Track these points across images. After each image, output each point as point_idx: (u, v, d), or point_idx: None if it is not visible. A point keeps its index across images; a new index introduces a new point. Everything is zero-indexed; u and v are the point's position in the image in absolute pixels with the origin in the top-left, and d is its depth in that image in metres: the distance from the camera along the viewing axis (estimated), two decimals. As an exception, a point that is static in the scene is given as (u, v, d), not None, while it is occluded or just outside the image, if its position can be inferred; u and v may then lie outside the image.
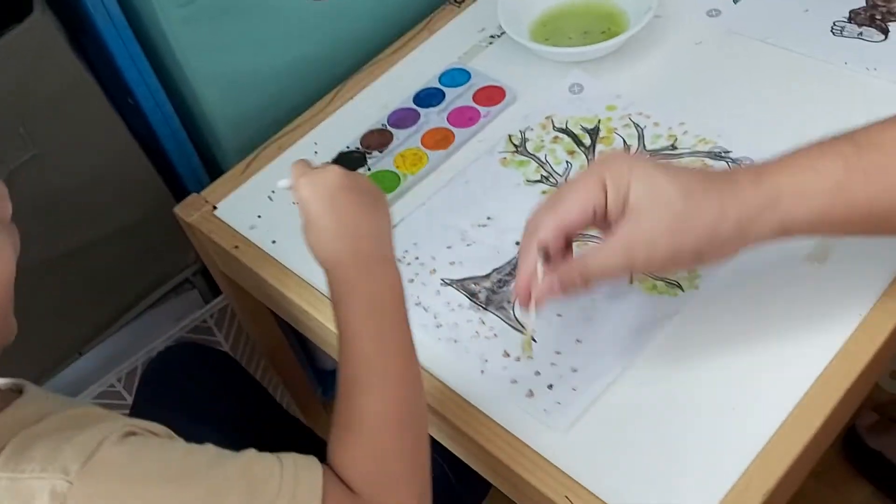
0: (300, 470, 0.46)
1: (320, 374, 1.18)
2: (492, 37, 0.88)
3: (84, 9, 0.74)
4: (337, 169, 0.53)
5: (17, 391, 0.45)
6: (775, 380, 0.58)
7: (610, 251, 0.52)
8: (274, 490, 0.44)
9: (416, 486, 0.49)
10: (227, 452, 0.45)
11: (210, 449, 0.46)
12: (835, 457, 1.08)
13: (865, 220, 0.52)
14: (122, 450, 0.41)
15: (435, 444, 0.66)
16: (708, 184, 0.51)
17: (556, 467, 0.56)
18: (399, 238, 0.72)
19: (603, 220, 0.53)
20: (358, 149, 0.80)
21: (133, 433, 0.43)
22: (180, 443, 0.45)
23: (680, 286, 0.64)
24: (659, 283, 0.64)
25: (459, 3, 0.93)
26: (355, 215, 0.53)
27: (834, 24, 0.80)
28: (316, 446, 0.88)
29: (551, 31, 0.86)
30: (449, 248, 0.71)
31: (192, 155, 0.87)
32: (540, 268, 0.53)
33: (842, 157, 0.51)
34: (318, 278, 0.71)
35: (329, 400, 1.22)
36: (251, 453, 0.47)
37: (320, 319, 0.69)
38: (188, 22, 0.77)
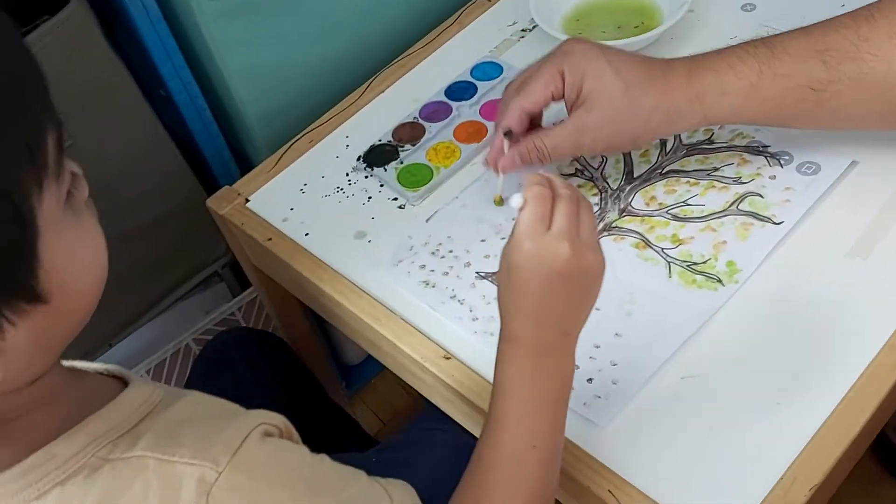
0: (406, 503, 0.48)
1: (344, 369, 1.18)
2: (523, 31, 0.88)
3: (120, 1, 0.74)
4: (568, 249, 0.46)
5: (109, 375, 0.47)
6: (819, 375, 0.57)
7: (562, 133, 0.63)
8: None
9: None
10: (341, 468, 0.47)
11: (329, 463, 0.47)
12: (864, 457, 1.06)
13: (773, 116, 0.62)
14: (264, 449, 0.43)
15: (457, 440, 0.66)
16: (647, 80, 0.61)
17: (598, 461, 0.56)
18: (433, 231, 0.72)
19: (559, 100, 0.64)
20: (390, 142, 0.80)
21: (269, 433, 0.44)
22: (306, 450, 0.46)
23: (720, 280, 0.63)
24: (699, 277, 0.64)
25: (491, -4, 0.92)
26: (562, 303, 0.48)
27: (871, 19, 0.80)
28: (354, 434, 0.88)
29: (584, 25, 0.85)
30: (483, 241, 0.71)
31: (224, 148, 0.88)
32: (505, 144, 0.65)
33: (758, 60, 0.60)
34: (352, 270, 0.71)
35: (353, 393, 1.22)
36: (364, 477, 0.48)
37: (353, 310, 0.69)
38: (222, 16, 0.77)
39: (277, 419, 0.46)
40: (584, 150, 0.65)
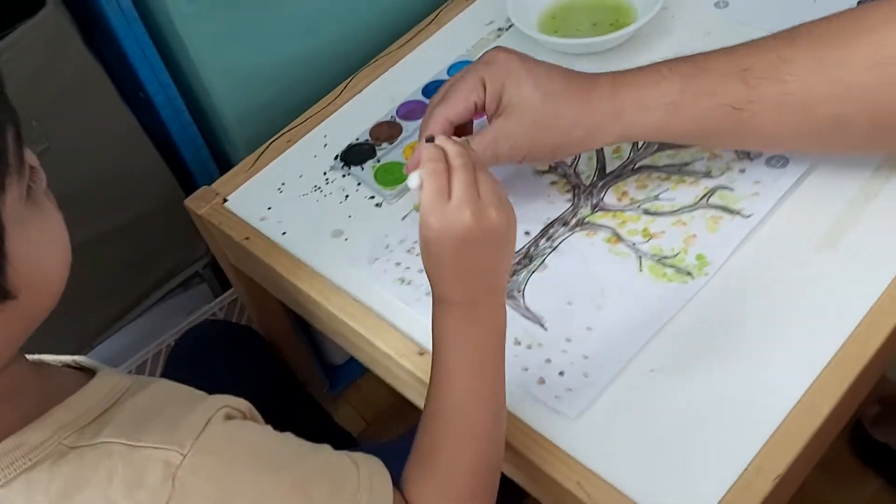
0: (374, 474, 0.49)
1: (328, 369, 1.18)
2: (500, 29, 0.88)
3: (96, 3, 0.75)
4: (470, 215, 0.49)
5: (77, 367, 0.48)
6: (785, 365, 0.58)
7: (481, 142, 0.62)
8: (353, 488, 0.47)
9: None
10: (306, 444, 0.48)
11: (293, 439, 0.49)
12: (842, 450, 1.07)
13: (695, 134, 0.62)
14: (226, 430, 0.45)
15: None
16: (568, 92, 0.61)
17: (568, 454, 0.56)
18: (409, 229, 0.73)
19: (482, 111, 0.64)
20: (367, 141, 0.80)
21: (231, 416, 0.46)
22: (269, 429, 0.48)
23: (690, 273, 0.64)
24: (669, 270, 0.64)
25: (467, -4, 0.93)
26: (478, 262, 0.51)
27: (842, 15, 0.80)
28: (332, 430, 0.89)
29: (560, 23, 0.86)
30: (458, 238, 0.71)
31: (202, 148, 0.88)
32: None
33: (681, 78, 0.60)
34: (329, 269, 0.72)
35: (336, 394, 1.22)
36: (328, 450, 0.50)
37: (331, 310, 0.70)
38: (199, 16, 0.78)
39: (241, 403, 0.47)
40: (503, 159, 0.63)
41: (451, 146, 0.52)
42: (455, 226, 0.49)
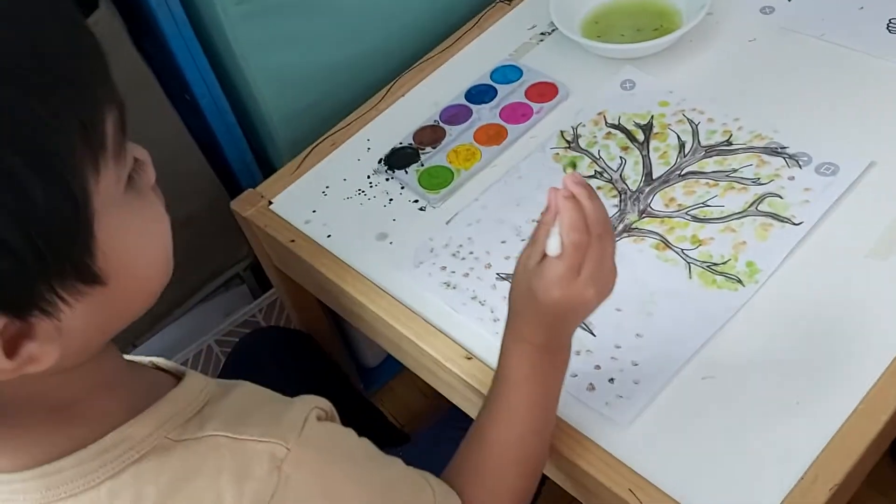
0: (446, 491, 0.53)
1: (362, 371, 1.19)
2: (542, 34, 0.88)
3: (146, 6, 0.76)
4: (594, 295, 0.51)
5: (156, 368, 0.49)
6: (840, 372, 0.57)
7: None
8: (430, 499, 0.50)
9: None
10: (381, 452, 0.51)
11: (372, 445, 0.51)
12: (882, 461, 1.06)
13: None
14: (323, 429, 0.47)
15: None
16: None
17: (619, 461, 0.56)
18: (453, 233, 0.73)
19: None
20: (411, 144, 0.81)
21: (320, 417, 0.48)
22: (353, 432, 0.50)
23: (740, 281, 0.63)
24: (719, 277, 0.64)
25: (510, 0, 0.93)
26: (573, 322, 0.54)
27: (890, 22, 0.80)
28: (393, 431, 0.90)
29: (603, 28, 0.86)
30: (503, 242, 0.72)
31: (246, 150, 0.89)
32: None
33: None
34: (373, 271, 0.72)
35: (370, 394, 1.23)
36: (401, 463, 0.52)
37: (375, 311, 0.70)
38: (246, 19, 0.78)
39: (325, 403, 0.49)
40: None
41: (591, 209, 0.50)
42: (575, 300, 0.51)
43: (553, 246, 0.50)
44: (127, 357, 0.47)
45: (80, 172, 0.35)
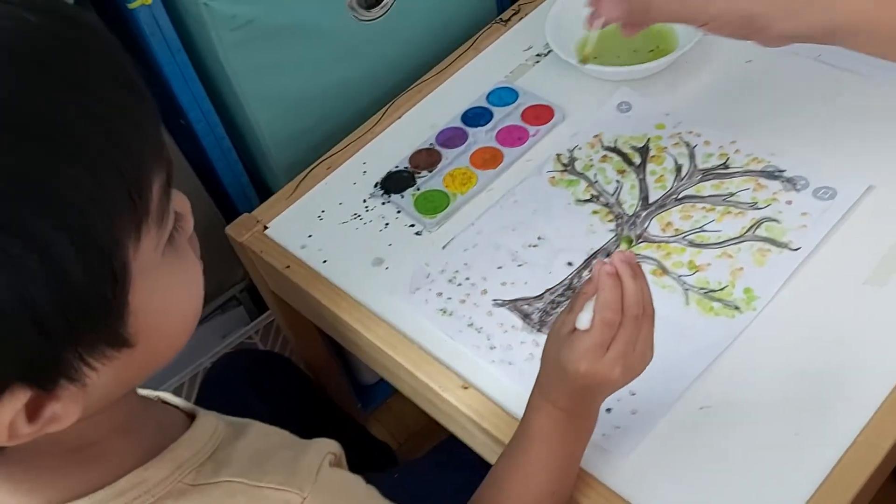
0: None
1: (360, 389, 1.18)
2: (538, 55, 0.88)
3: (139, 31, 0.75)
4: (619, 374, 0.50)
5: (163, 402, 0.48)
6: (839, 403, 0.57)
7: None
8: None
9: None
10: (387, 501, 0.51)
11: (377, 493, 0.50)
12: (886, 485, 1.05)
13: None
14: (336, 476, 0.47)
15: (483, 464, 0.66)
16: None
17: (616, 493, 0.56)
18: (450, 258, 0.73)
19: None
20: (406, 168, 0.80)
21: (331, 463, 0.47)
22: (361, 479, 0.50)
23: (738, 307, 0.63)
24: (716, 304, 0.64)
25: (505, 21, 0.93)
26: (602, 397, 0.54)
27: (887, 41, 0.79)
28: (372, 443, 0.89)
29: (599, 50, 0.85)
30: (500, 268, 0.71)
31: (241, 174, 0.88)
32: None
33: None
34: (369, 297, 0.72)
35: (368, 413, 1.22)
36: None
37: (371, 338, 0.69)
38: (241, 45, 0.78)
39: (336, 448, 0.49)
40: (689, 7, 0.59)
41: (632, 289, 0.50)
42: (599, 376, 0.51)
43: (584, 321, 0.51)
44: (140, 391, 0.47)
45: (121, 245, 0.33)
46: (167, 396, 0.49)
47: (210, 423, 0.45)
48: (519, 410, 0.61)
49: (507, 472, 0.55)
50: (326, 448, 0.48)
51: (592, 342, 0.50)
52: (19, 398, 0.33)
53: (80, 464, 0.41)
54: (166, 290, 0.37)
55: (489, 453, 0.64)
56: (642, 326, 0.51)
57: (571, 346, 0.51)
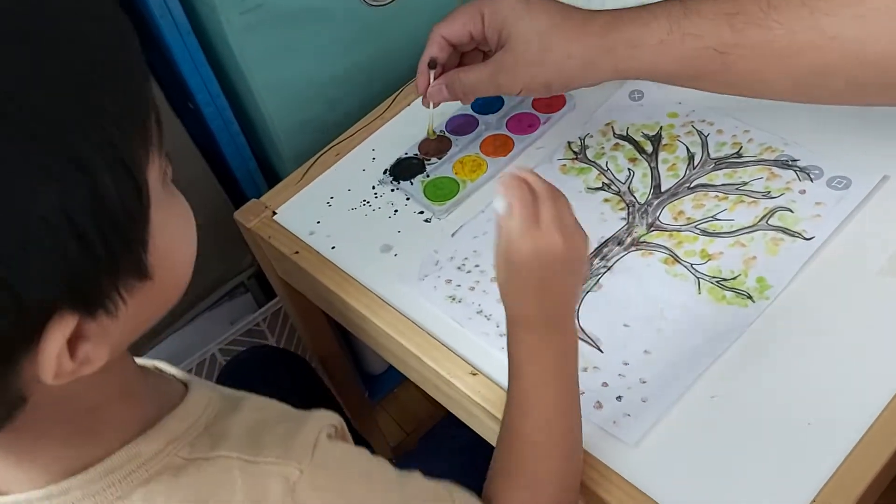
0: (467, 501, 0.51)
1: (367, 378, 1.18)
2: (549, 43, 0.87)
3: (149, 14, 0.75)
4: (561, 241, 0.50)
5: (156, 369, 0.48)
6: (851, 394, 0.56)
7: (482, 71, 0.67)
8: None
9: None
10: (400, 471, 0.50)
11: (386, 462, 0.50)
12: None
13: (682, 75, 0.64)
14: (336, 449, 0.46)
15: (474, 445, 0.66)
16: (564, 27, 0.64)
17: (627, 481, 0.55)
18: (459, 246, 0.72)
19: (482, 43, 0.69)
20: (416, 155, 0.80)
21: (330, 434, 0.47)
22: (366, 451, 0.49)
23: (751, 297, 0.62)
24: (728, 293, 0.63)
25: (516, 8, 0.92)
26: (560, 284, 0.52)
27: (903, 30, 0.79)
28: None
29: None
30: (510, 255, 0.71)
31: (250, 159, 0.88)
32: (431, 74, 0.69)
33: (669, 19, 0.62)
34: (378, 283, 0.71)
35: (375, 403, 1.22)
36: (420, 476, 0.51)
37: (379, 324, 0.69)
38: (250, 29, 0.78)
39: (336, 419, 0.48)
40: (502, 90, 0.68)
41: (531, 177, 0.52)
42: (546, 250, 0.50)
43: (499, 204, 0.51)
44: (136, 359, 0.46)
45: (140, 163, 0.36)
46: (164, 366, 0.48)
47: (203, 394, 0.45)
48: (528, 398, 0.61)
49: (508, 416, 0.55)
50: (325, 420, 0.47)
51: (520, 218, 0.49)
52: (67, 323, 0.34)
53: (85, 433, 0.40)
54: (171, 227, 0.39)
55: (494, 437, 0.63)
56: (560, 203, 0.51)
57: (506, 239, 0.50)
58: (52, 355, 0.34)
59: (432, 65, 0.68)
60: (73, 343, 0.35)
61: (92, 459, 0.40)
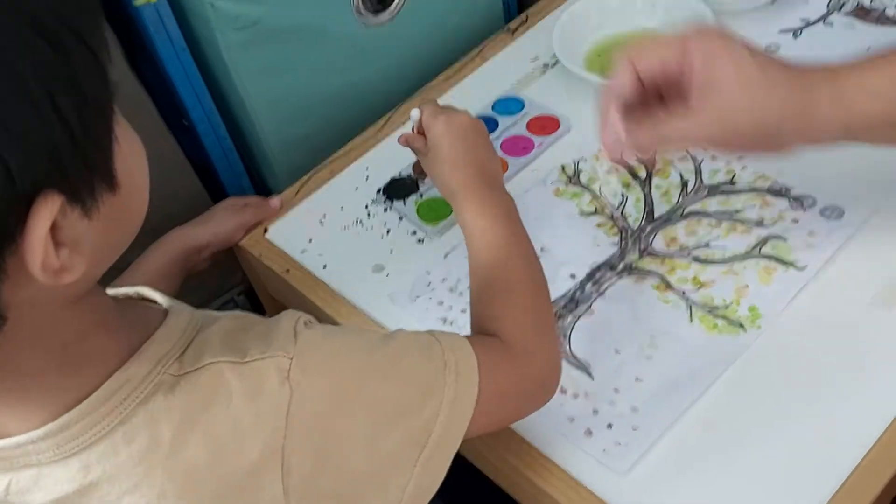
0: (453, 338, 0.51)
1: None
2: (545, 66, 0.88)
3: (144, 29, 0.75)
4: (467, 112, 0.65)
5: (139, 297, 0.49)
6: (844, 424, 0.56)
7: (691, 121, 0.54)
8: (439, 351, 0.49)
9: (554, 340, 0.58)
10: (381, 331, 0.54)
11: (367, 329, 0.54)
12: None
13: None
14: (315, 332, 0.47)
15: (482, 482, 0.65)
16: (786, 72, 0.54)
17: (616, 510, 0.55)
18: (451, 267, 0.72)
19: (674, 84, 0.56)
20: (410, 175, 0.80)
21: (307, 323, 0.48)
22: (344, 327, 0.53)
23: (742, 326, 0.62)
24: (720, 321, 0.63)
25: (513, 31, 0.92)
26: (481, 148, 0.64)
27: (896, 62, 0.79)
28: None
29: (606, 61, 0.85)
30: (502, 278, 0.70)
31: (243, 176, 0.88)
32: (620, 125, 0.56)
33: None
34: (370, 304, 0.71)
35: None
36: (405, 330, 0.53)
37: (370, 347, 0.68)
38: (245, 46, 0.78)
39: (307, 316, 0.49)
40: (714, 143, 0.57)
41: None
42: (457, 123, 0.64)
43: (414, 112, 0.67)
44: (110, 291, 0.46)
45: (103, 59, 0.37)
46: (146, 291, 0.48)
47: (184, 314, 0.45)
48: (517, 425, 0.60)
49: (473, 275, 0.59)
50: (297, 314, 0.48)
51: (432, 109, 0.65)
52: (53, 203, 0.34)
53: (70, 366, 0.41)
54: (129, 143, 0.39)
55: (485, 465, 0.63)
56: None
57: (427, 130, 0.65)
58: (41, 236, 0.34)
59: (625, 108, 0.56)
60: (55, 236, 0.35)
61: (83, 393, 0.40)
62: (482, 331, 0.55)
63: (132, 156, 0.40)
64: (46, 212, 0.34)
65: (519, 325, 0.55)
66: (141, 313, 0.45)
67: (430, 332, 0.51)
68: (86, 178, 0.36)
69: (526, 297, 0.57)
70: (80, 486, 0.40)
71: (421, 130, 0.67)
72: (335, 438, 0.45)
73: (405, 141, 0.68)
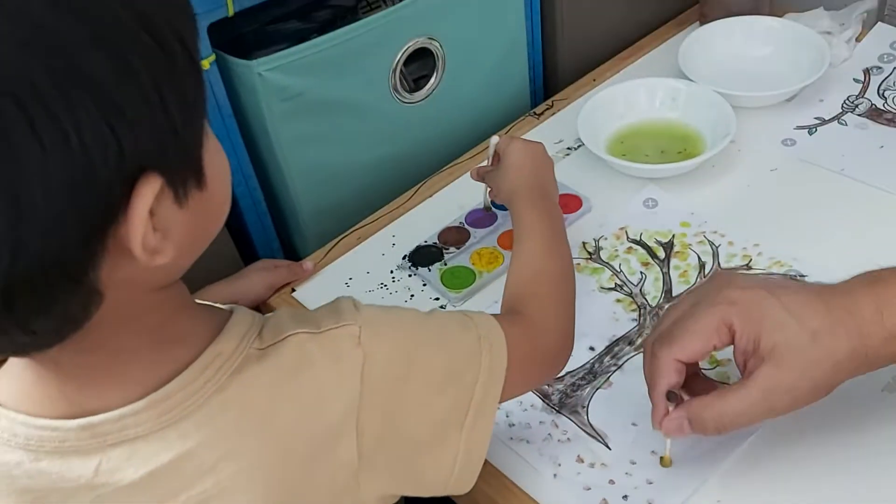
0: (485, 321, 0.55)
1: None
2: (569, 149, 0.92)
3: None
4: (536, 143, 0.74)
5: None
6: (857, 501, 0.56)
7: (750, 399, 0.53)
8: (474, 329, 0.53)
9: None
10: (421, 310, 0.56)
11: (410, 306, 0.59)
12: None
13: None
14: (371, 306, 0.51)
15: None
16: (832, 322, 0.53)
17: (630, 581, 0.55)
18: (473, 334, 0.74)
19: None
20: (436, 244, 0.83)
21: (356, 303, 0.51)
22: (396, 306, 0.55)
23: (758, 405, 0.63)
24: (736, 400, 0.64)
25: (539, 115, 0.97)
26: (546, 170, 0.73)
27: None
28: None
29: (628, 147, 0.89)
30: (521, 348, 0.72)
31: (274, 239, 0.91)
32: (670, 406, 0.56)
33: None
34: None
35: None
36: (440, 310, 0.61)
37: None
38: (288, 116, 0.82)
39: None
40: (779, 412, 0.54)
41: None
42: (532, 146, 0.74)
43: (493, 139, 0.76)
44: None
45: (198, 61, 0.40)
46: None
47: (247, 310, 0.48)
48: (534, 490, 0.61)
49: (515, 265, 0.64)
50: (349, 297, 0.51)
51: (508, 137, 0.76)
52: (154, 183, 0.37)
53: (165, 342, 0.43)
54: (214, 148, 0.43)
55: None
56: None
57: (505, 151, 0.75)
58: (143, 214, 0.37)
59: (671, 397, 0.56)
60: (150, 220, 0.38)
61: (179, 367, 0.43)
62: (511, 308, 0.61)
63: (217, 160, 0.44)
64: (149, 191, 0.37)
65: (544, 307, 0.60)
66: (211, 307, 0.49)
67: (464, 312, 0.56)
68: (182, 169, 0.39)
69: (555, 284, 0.63)
70: (176, 454, 0.42)
71: (497, 159, 0.75)
72: (398, 401, 0.48)
73: (477, 174, 0.79)
